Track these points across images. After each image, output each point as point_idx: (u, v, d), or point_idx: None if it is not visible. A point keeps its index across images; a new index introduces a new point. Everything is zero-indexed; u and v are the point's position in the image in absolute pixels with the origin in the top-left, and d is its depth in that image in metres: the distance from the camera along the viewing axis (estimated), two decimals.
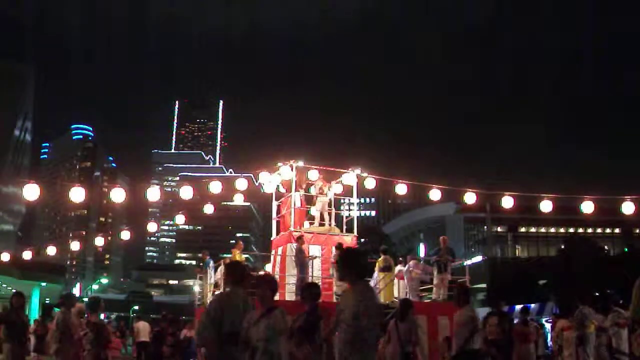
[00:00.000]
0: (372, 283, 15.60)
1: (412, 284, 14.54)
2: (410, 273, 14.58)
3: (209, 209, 17.98)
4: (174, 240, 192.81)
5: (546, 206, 13.28)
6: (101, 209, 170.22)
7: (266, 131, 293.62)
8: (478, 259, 60.34)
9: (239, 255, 15.21)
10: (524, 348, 12.29)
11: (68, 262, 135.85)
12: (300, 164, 15.72)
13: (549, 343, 16.57)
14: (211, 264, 15.67)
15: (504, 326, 14.31)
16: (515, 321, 13.62)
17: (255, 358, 4.98)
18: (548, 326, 22.14)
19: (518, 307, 34.21)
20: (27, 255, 29.01)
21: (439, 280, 14.61)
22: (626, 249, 51.07)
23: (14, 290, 12.38)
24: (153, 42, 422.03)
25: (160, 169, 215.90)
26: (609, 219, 36.24)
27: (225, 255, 18.02)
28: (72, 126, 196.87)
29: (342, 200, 17.36)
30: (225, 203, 30.23)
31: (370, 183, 15.97)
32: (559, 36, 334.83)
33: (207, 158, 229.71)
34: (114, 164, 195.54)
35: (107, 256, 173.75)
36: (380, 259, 15.32)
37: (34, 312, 42.03)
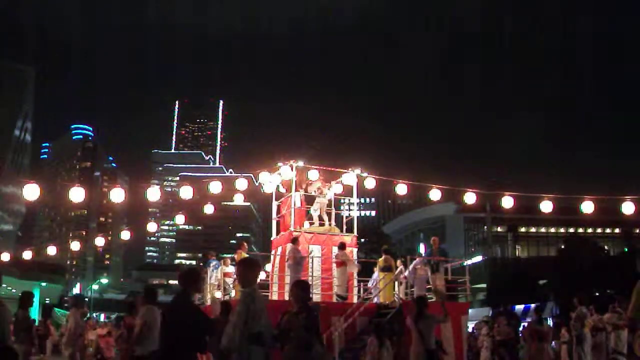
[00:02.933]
0: (371, 283, 15.58)
1: (418, 282, 14.51)
2: (416, 272, 14.57)
3: (209, 209, 18.01)
4: (174, 240, 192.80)
5: (546, 206, 13.28)
6: (101, 209, 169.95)
7: (266, 131, 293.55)
8: (478, 259, 60.33)
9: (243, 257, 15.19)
10: (537, 347, 12.12)
11: (68, 262, 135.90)
12: (300, 164, 15.75)
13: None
14: (213, 263, 15.67)
15: (513, 326, 14.33)
16: (529, 320, 13.54)
17: None
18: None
19: (519, 307, 34.27)
20: (27, 255, 29.05)
21: (432, 281, 14.65)
22: (626, 249, 51.03)
23: (20, 291, 12.33)
24: (153, 43, 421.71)
25: (160, 169, 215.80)
26: (609, 219, 36.13)
27: (226, 255, 17.96)
28: (72, 126, 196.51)
29: (342, 200, 17.37)
30: (225, 203, 30.19)
31: (370, 183, 16.00)
32: (559, 36, 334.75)
33: (207, 158, 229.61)
34: (114, 164, 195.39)
35: (107, 256, 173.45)
36: (381, 259, 15.32)
37: (34, 312, 42.06)
